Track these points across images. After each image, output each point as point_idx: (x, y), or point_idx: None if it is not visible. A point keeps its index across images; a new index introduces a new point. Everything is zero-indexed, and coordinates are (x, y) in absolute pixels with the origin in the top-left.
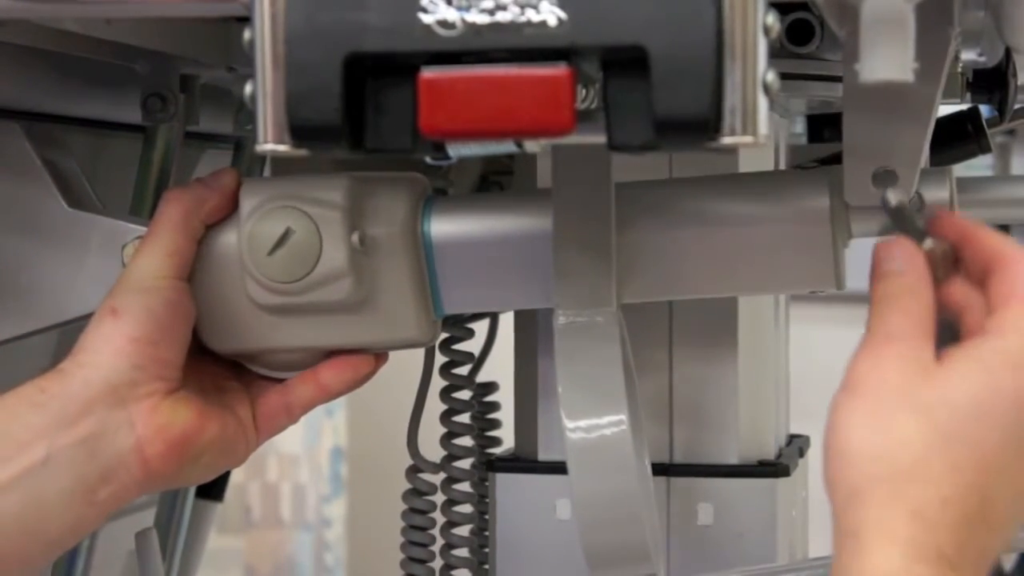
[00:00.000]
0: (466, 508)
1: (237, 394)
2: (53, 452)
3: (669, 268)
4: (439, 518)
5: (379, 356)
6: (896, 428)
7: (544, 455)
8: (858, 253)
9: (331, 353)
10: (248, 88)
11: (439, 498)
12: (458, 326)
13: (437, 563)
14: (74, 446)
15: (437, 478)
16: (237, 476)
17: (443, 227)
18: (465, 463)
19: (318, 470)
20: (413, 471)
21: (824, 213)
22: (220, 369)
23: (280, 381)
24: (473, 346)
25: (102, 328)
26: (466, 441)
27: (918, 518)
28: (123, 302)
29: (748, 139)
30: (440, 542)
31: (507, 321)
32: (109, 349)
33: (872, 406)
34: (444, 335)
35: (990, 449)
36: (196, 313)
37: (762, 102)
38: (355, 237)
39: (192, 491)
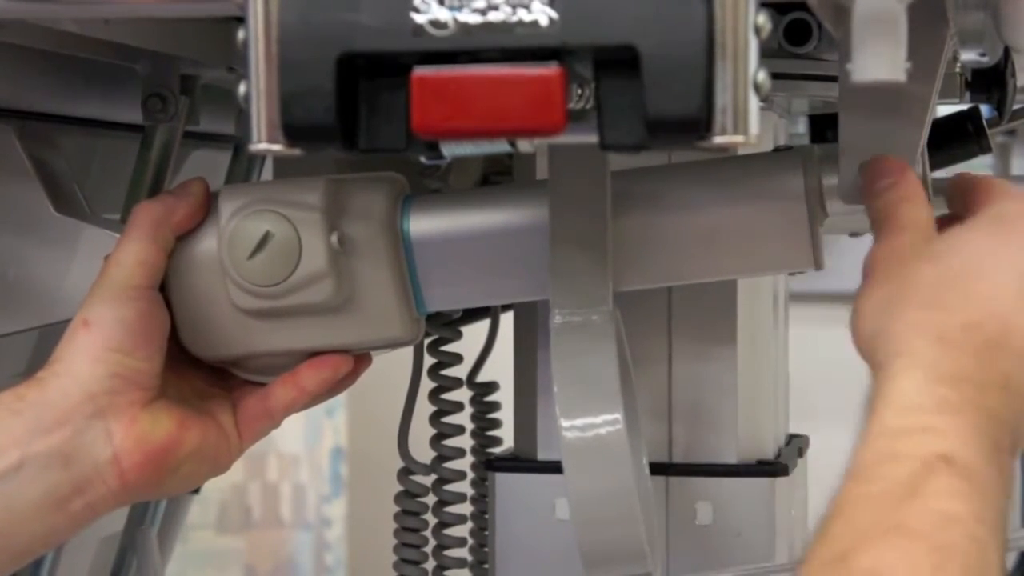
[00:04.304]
0: (457, 509)
1: (219, 400)
2: (27, 459)
3: (652, 255)
4: (432, 520)
5: (361, 358)
6: (908, 274)
7: (543, 455)
8: (857, 253)
9: (313, 355)
10: (242, 88)
11: (432, 500)
12: (445, 327)
13: (430, 564)
14: (48, 454)
15: (430, 479)
16: (237, 476)
17: (422, 224)
18: (456, 464)
19: (318, 470)
20: (405, 473)
21: (799, 192)
22: (201, 376)
23: (261, 385)
24: (473, 346)
25: (76, 340)
26: (458, 442)
27: (940, 342)
28: (94, 314)
29: (739, 138)
30: (433, 544)
31: (507, 321)
32: (85, 359)
33: (883, 273)
34: (432, 336)
35: (1003, 282)
36: (178, 320)
37: (753, 101)
38: (334, 238)
39: None
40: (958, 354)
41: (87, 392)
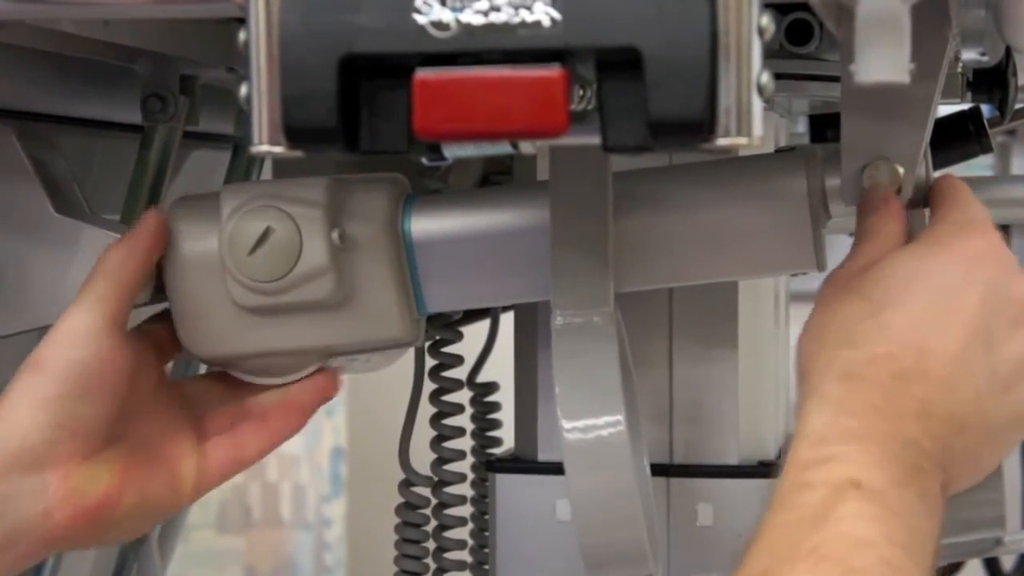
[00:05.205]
0: (458, 511)
1: (183, 443)
2: None
3: (654, 256)
4: (433, 522)
5: (329, 385)
6: (833, 309)
7: (544, 456)
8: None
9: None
10: (243, 89)
11: (432, 502)
12: (445, 328)
13: (431, 566)
14: None
15: (430, 489)
16: (237, 476)
17: (423, 225)
18: (456, 465)
19: (318, 470)
20: (406, 485)
21: (801, 193)
22: (168, 415)
23: (232, 429)
24: (474, 347)
25: (24, 383)
26: (458, 443)
27: (848, 379)
28: (47, 356)
29: (743, 140)
30: (433, 546)
31: (507, 321)
32: (29, 406)
33: (819, 306)
34: (433, 338)
35: (919, 310)
36: (177, 319)
37: (756, 103)
38: (335, 234)
39: None
40: (866, 387)
41: (25, 443)
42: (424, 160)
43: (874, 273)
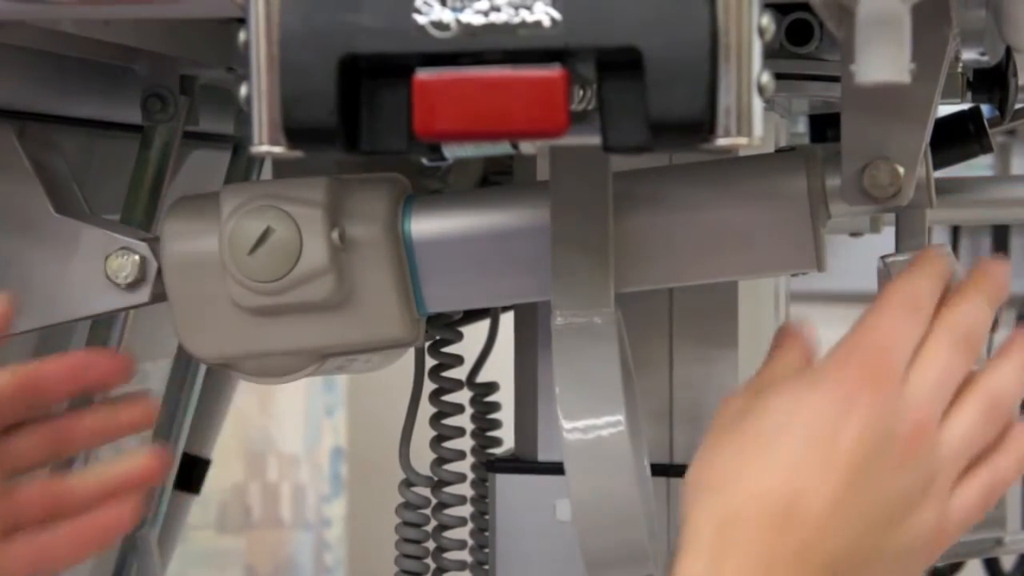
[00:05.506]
0: (457, 511)
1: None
2: None
3: (654, 256)
4: (433, 522)
5: (154, 469)
6: (713, 448)
7: (544, 456)
8: (857, 253)
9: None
10: (243, 90)
11: (433, 502)
12: (446, 328)
13: (431, 566)
14: None
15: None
16: (237, 476)
17: (423, 225)
18: (456, 465)
19: (318, 470)
20: (406, 485)
21: (801, 193)
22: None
23: (42, 526)
24: (474, 347)
25: None
26: (458, 444)
27: (723, 526)
28: None
29: (743, 140)
30: (433, 546)
31: (507, 321)
32: None
33: (708, 439)
34: (434, 337)
35: (795, 448)
36: (178, 320)
37: (757, 103)
38: (335, 234)
39: (170, 483)
40: (741, 533)
41: None
42: (424, 160)
43: (756, 409)
